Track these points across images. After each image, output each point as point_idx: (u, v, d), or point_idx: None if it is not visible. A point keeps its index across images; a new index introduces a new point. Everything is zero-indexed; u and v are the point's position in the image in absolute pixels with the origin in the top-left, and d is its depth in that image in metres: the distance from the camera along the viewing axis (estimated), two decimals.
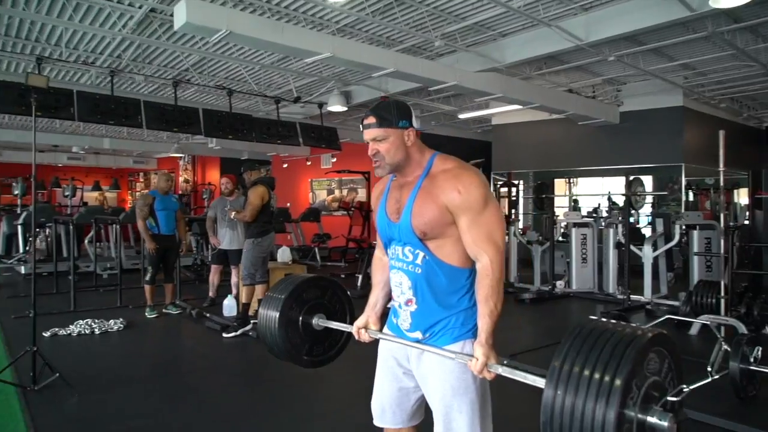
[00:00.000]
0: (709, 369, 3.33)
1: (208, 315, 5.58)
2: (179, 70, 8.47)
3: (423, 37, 6.71)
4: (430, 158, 1.71)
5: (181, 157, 16.25)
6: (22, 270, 8.38)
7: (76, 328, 4.97)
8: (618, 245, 6.85)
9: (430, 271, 1.65)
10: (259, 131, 8.75)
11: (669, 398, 1.27)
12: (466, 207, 1.60)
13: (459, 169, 1.66)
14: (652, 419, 1.21)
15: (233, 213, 5.17)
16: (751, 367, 3.28)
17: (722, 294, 5.00)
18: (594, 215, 9.76)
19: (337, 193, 13.37)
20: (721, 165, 4.92)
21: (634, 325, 1.31)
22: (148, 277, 5.66)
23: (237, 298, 5.67)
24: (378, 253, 1.97)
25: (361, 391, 3.21)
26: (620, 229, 6.81)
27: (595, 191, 12.11)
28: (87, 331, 4.96)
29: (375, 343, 1.85)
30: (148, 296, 5.69)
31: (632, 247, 6.50)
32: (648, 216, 10.35)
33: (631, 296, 6.40)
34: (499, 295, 1.59)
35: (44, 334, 4.82)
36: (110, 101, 7.36)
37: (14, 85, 6.56)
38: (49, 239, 8.64)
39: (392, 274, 1.76)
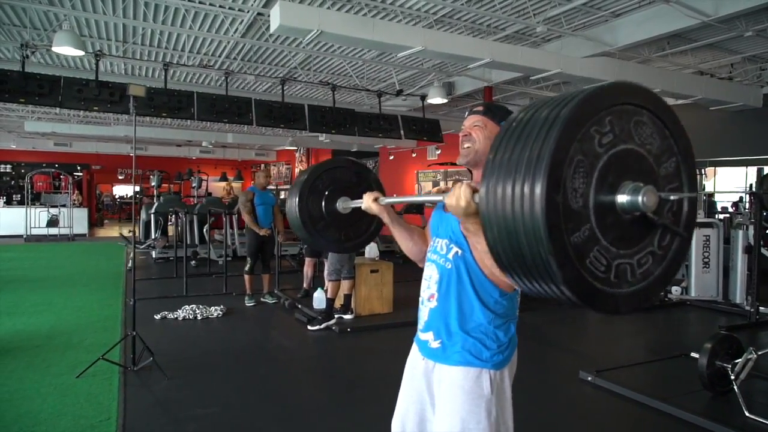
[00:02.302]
0: None
1: (299, 306, 5.82)
2: (288, 68, 8.87)
3: (524, 23, 6.34)
4: None
5: (296, 149, 17.14)
6: (153, 254, 9.42)
7: (182, 313, 5.45)
8: (748, 249, 5.97)
9: (460, 268, 1.55)
10: (361, 125, 8.91)
11: (660, 173, 1.04)
12: None
13: None
14: (621, 198, 0.98)
15: None
16: None
17: None
18: (730, 212, 8.62)
19: (442, 185, 13.23)
20: None
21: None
22: (247, 268, 6.04)
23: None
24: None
25: None
26: (751, 230, 5.93)
27: (737, 183, 10.67)
28: (190, 317, 5.43)
29: None
30: (247, 285, 6.08)
31: (765, 251, 5.63)
32: None
33: (763, 309, 5.56)
34: None
35: (155, 317, 5.36)
36: (225, 101, 7.93)
37: (147, 89, 7.35)
38: (179, 227, 9.58)
39: (426, 267, 1.68)
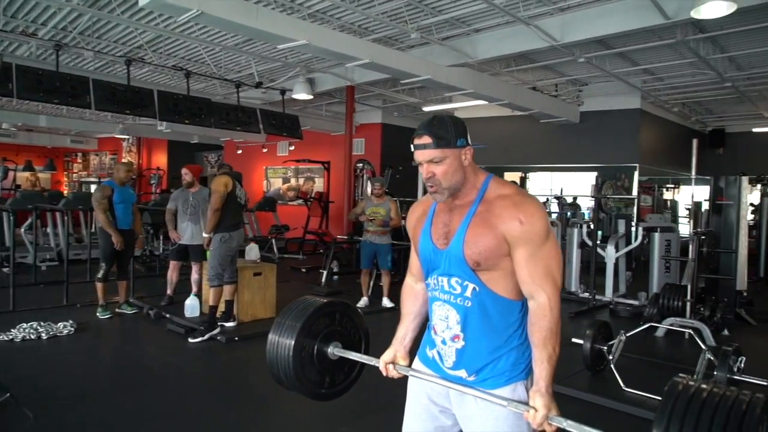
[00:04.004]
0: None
1: (168, 316, 5.19)
2: (132, 47, 7.89)
3: (398, 28, 6.51)
4: (485, 181, 1.56)
5: (125, 138, 15.27)
6: None
7: (20, 333, 4.45)
8: (582, 245, 6.97)
9: (482, 304, 1.51)
10: (217, 117, 8.29)
11: None
12: (527, 239, 1.46)
13: (519, 196, 1.52)
14: None
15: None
16: (736, 377, 3.35)
17: (688, 297, 5.18)
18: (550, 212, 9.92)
19: (293, 182, 12.97)
20: (693, 172, 5.04)
21: (734, 389, 1.19)
22: (101, 274, 5.20)
23: (199, 296, 5.33)
24: (409, 280, 1.80)
25: (348, 408, 3.06)
26: (584, 228, 6.92)
27: (545, 186, 12.29)
28: (33, 336, 4.46)
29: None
30: (100, 295, 5.23)
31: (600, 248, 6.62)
32: (587, 212, 10.49)
33: (598, 296, 6.53)
34: (557, 338, 1.47)
35: None
36: (55, 78, 6.70)
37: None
38: None
39: (436, 306, 1.60)
